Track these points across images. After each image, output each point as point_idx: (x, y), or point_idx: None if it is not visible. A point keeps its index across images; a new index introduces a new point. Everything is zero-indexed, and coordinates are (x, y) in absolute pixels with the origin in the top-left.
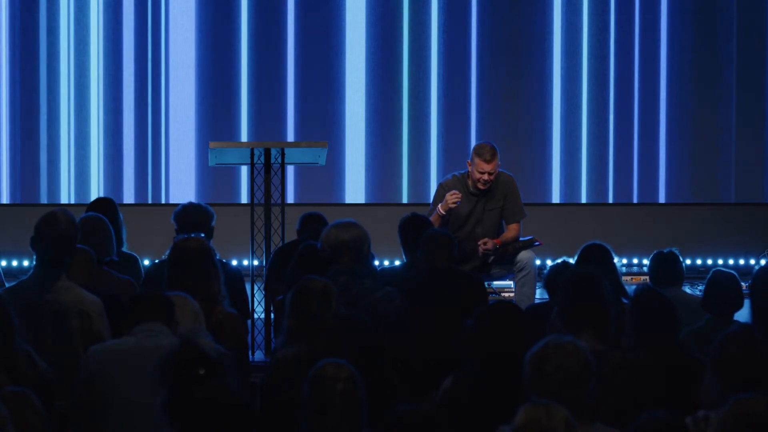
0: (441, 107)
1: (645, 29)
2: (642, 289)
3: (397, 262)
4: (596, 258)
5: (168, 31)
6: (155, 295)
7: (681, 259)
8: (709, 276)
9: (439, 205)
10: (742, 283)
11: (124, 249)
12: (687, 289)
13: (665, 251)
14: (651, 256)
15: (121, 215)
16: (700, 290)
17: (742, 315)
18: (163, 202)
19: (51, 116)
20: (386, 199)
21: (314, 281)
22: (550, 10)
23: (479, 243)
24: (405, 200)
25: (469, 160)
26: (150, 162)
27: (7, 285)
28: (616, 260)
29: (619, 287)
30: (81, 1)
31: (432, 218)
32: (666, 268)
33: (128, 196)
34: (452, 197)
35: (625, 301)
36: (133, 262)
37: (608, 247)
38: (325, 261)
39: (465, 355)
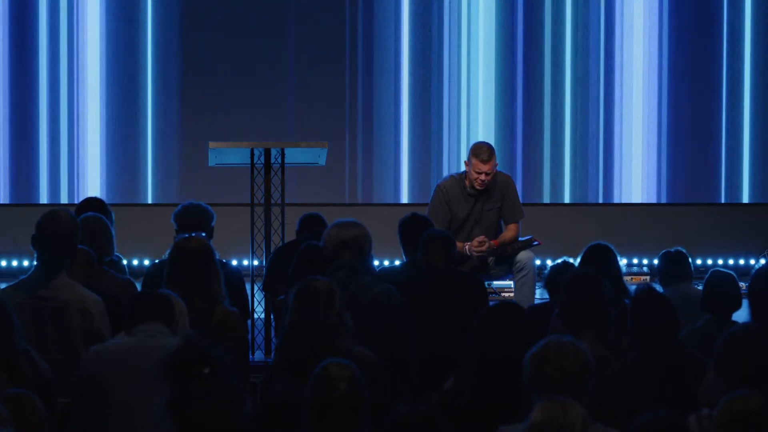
0: (441, 107)
1: (651, 28)
2: (642, 289)
3: (397, 262)
4: (600, 258)
5: (170, 32)
6: (155, 295)
7: (689, 257)
8: (707, 276)
9: (467, 246)
10: (741, 283)
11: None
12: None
13: (672, 250)
14: (659, 255)
15: (113, 215)
16: (700, 290)
17: (740, 315)
18: (163, 202)
19: (52, 116)
20: (386, 199)
21: (318, 281)
22: (560, 8)
23: (475, 240)
24: (405, 200)
25: (466, 160)
26: (150, 162)
27: (7, 284)
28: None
29: (622, 287)
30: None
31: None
32: (675, 267)
33: (128, 196)
34: (476, 249)
35: (626, 301)
36: (116, 262)
37: (612, 247)
38: (327, 259)
39: (466, 355)
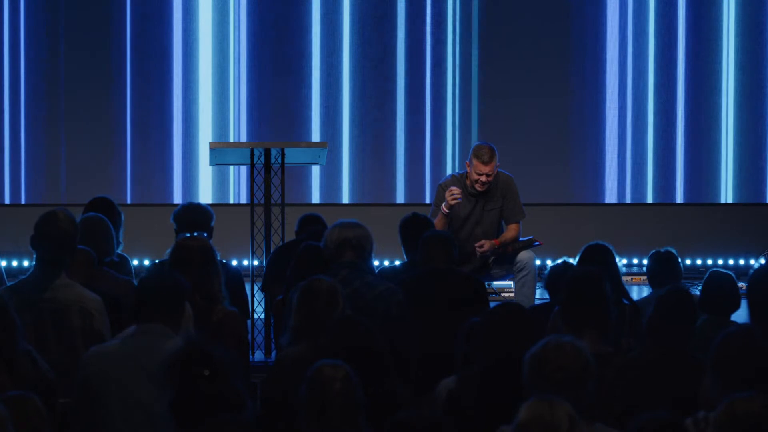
0: (440, 107)
1: (652, 29)
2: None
3: (397, 262)
4: (598, 258)
5: (171, 34)
6: (156, 295)
7: (678, 258)
8: (706, 276)
9: (443, 204)
10: (739, 284)
11: (118, 250)
12: None
13: (662, 250)
14: (649, 255)
15: (122, 215)
16: (699, 290)
17: (739, 316)
18: (162, 202)
19: (52, 116)
20: (384, 199)
21: (321, 281)
22: (564, 9)
23: (476, 245)
24: (403, 200)
25: (467, 161)
26: (152, 162)
27: (7, 284)
28: (617, 260)
29: (620, 288)
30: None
31: (436, 220)
32: (665, 267)
33: (128, 196)
34: (451, 196)
35: (625, 301)
36: (123, 263)
37: (610, 247)
38: (328, 259)
39: (471, 355)
